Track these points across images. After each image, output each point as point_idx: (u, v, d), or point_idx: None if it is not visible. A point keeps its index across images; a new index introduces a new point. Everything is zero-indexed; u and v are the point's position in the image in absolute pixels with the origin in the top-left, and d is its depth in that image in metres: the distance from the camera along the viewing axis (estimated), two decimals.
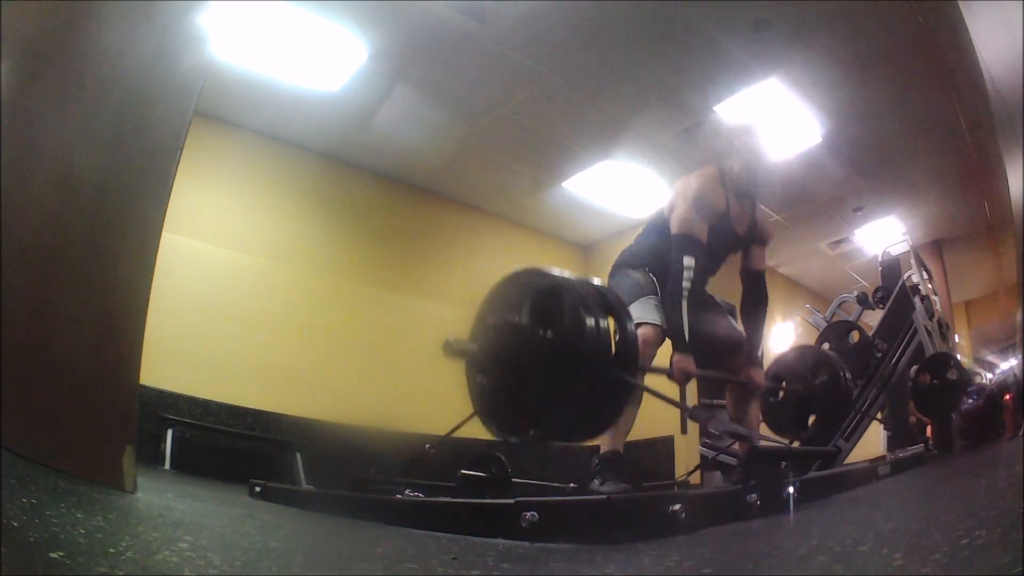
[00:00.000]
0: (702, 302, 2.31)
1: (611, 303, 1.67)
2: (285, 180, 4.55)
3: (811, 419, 2.84)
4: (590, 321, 1.52)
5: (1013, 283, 5.04)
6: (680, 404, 2.13)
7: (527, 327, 1.56)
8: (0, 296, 1.24)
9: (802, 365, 2.84)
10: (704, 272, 2.28)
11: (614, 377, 1.55)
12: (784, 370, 2.88)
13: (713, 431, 1.98)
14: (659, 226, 2.35)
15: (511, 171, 4.91)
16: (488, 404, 1.69)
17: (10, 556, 0.70)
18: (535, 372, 1.54)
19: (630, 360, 1.64)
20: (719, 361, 2.43)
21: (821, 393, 2.72)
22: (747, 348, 2.40)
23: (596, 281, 1.75)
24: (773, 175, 2.43)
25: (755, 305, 2.45)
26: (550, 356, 1.53)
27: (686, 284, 2.12)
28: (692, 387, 4.94)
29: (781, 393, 2.87)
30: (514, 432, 1.66)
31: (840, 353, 3.43)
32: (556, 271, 1.65)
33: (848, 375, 2.81)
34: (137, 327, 1.47)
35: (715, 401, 3.91)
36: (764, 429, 2.51)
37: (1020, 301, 4.11)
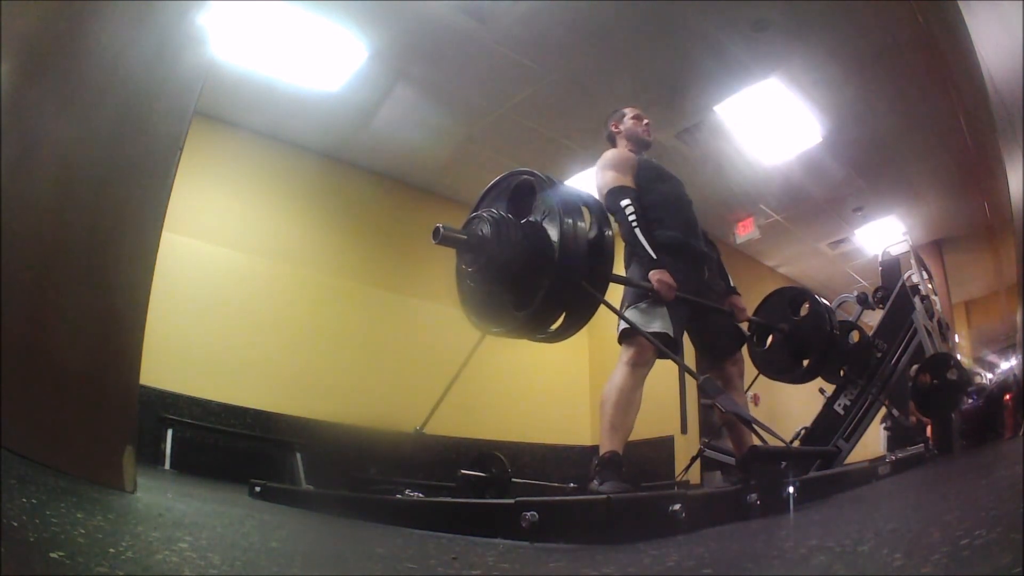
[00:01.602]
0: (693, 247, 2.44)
1: (591, 207, 1.84)
2: (285, 180, 4.55)
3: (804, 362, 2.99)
4: (568, 220, 1.68)
5: (1013, 283, 5.04)
6: (692, 372, 2.16)
7: (510, 219, 1.71)
8: (0, 296, 1.24)
9: (781, 304, 2.97)
10: (666, 204, 2.43)
11: (583, 289, 1.72)
12: (765, 313, 2.98)
13: (720, 407, 2.00)
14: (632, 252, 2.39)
15: None
16: (470, 291, 1.86)
17: (10, 556, 0.70)
18: (514, 262, 1.69)
19: (602, 271, 1.81)
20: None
21: (805, 327, 2.85)
22: (723, 276, 2.58)
23: (582, 192, 1.90)
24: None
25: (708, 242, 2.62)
26: (527, 248, 1.69)
27: (632, 218, 2.26)
28: (693, 386, 4.94)
29: (769, 338, 2.99)
30: (490, 320, 1.82)
31: (840, 353, 3.43)
32: (543, 175, 1.80)
33: (825, 303, 2.96)
34: (137, 327, 1.47)
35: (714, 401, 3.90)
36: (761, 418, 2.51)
37: (1020, 301, 4.11)
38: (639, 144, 2.63)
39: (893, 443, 4.22)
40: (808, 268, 6.86)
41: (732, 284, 2.58)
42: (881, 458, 3.60)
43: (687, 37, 3.64)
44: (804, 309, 2.95)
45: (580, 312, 1.83)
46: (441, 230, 1.65)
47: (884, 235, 5.33)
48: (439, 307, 4.69)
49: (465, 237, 1.71)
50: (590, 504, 1.31)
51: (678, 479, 4.05)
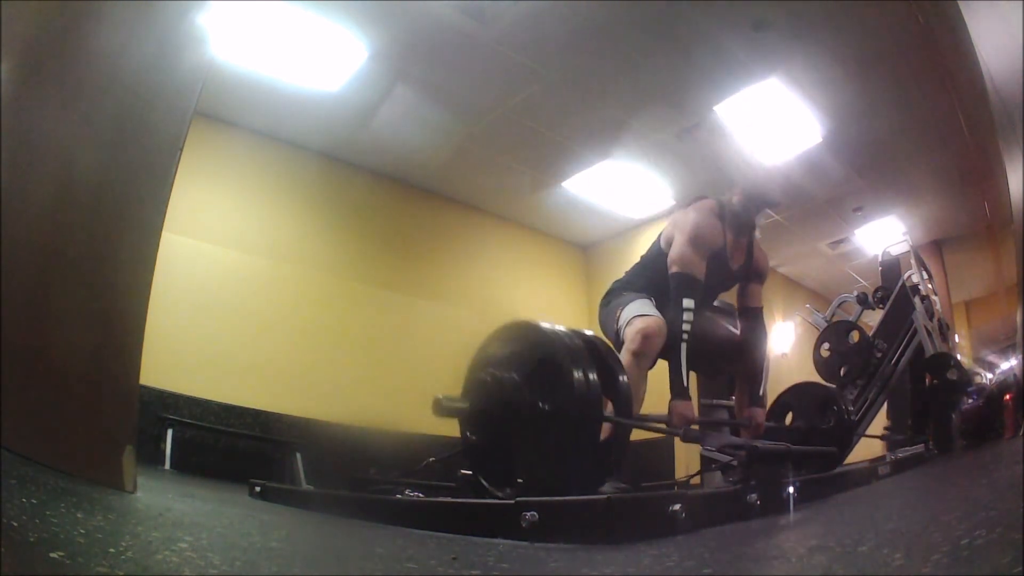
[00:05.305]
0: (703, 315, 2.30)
1: (601, 353, 1.74)
2: (285, 180, 4.55)
3: None
4: (579, 375, 1.54)
5: (1013, 283, 5.04)
6: (671, 431, 2.13)
7: (518, 385, 1.60)
8: (0, 296, 1.24)
9: (807, 403, 2.81)
10: (700, 309, 2.26)
11: (609, 421, 1.63)
12: (789, 406, 2.86)
13: (709, 448, 1.97)
14: (656, 259, 2.33)
15: (511, 171, 4.91)
16: (481, 460, 1.75)
17: (10, 556, 0.70)
18: (528, 431, 1.58)
19: (625, 406, 1.72)
20: (720, 365, 2.43)
21: (825, 432, 2.69)
22: (749, 388, 2.37)
23: (587, 332, 1.81)
24: (773, 205, 2.45)
25: (754, 344, 2.39)
26: (543, 415, 1.57)
27: (686, 327, 2.09)
28: (692, 387, 4.92)
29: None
30: (507, 488, 1.70)
31: (840, 353, 3.43)
32: (547, 325, 1.69)
33: (850, 411, 2.80)
34: (137, 328, 1.47)
35: (715, 402, 3.90)
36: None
37: (1020, 301, 4.11)
38: (741, 223, 2.30)
39: (893, 443, 4.22)
40: (808, 268, 6.86)
41: (762, 393, 2.38)
42: (881, 458, 3.61)
43: (687, 37, 3.64)
44: (828, 411, 2.76)
45: (603, 468, 1.78)
46: (442, 402, 1.60)
47: (884, 235, 5.33)
48: (439, 307, 4.70)
49: (467, 407, 1.64)
50: (590, 504, 1.31)
51: (679, 480, 4.04)
